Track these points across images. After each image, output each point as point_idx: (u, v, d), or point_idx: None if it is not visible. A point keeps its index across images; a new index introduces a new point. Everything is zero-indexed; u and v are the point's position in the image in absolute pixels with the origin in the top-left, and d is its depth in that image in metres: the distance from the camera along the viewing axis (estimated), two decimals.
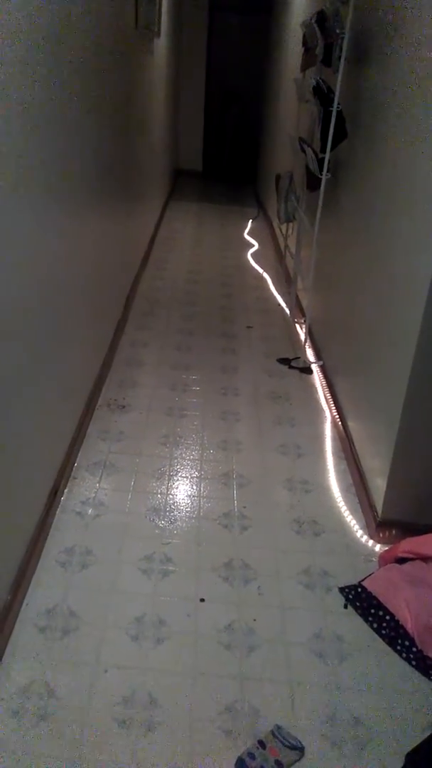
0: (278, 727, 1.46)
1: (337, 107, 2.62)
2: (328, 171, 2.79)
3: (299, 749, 1.42)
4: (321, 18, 2.83)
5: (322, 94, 2.77)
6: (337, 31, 2.62)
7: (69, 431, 2.33)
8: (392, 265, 2.06)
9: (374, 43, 2.43)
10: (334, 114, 2.62)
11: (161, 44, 4.90)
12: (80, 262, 2.33)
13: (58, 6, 1.76)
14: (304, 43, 3.34)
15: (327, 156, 2.73)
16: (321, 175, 2.81)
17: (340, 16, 2.63)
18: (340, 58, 2.58)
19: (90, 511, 2.13)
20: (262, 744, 1.42)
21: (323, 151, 2.74)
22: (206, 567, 1.94)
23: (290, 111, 4.59)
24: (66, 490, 2.20)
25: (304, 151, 3.09)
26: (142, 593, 1.82)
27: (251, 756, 1.40)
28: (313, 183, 2.98)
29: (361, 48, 2.58)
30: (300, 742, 1.44)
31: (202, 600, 1.82)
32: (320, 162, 2.79)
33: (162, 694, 1.54)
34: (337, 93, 2.60)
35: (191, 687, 1.57)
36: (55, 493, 2.09)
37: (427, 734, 1.46)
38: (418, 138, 1.87)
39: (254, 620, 1.76)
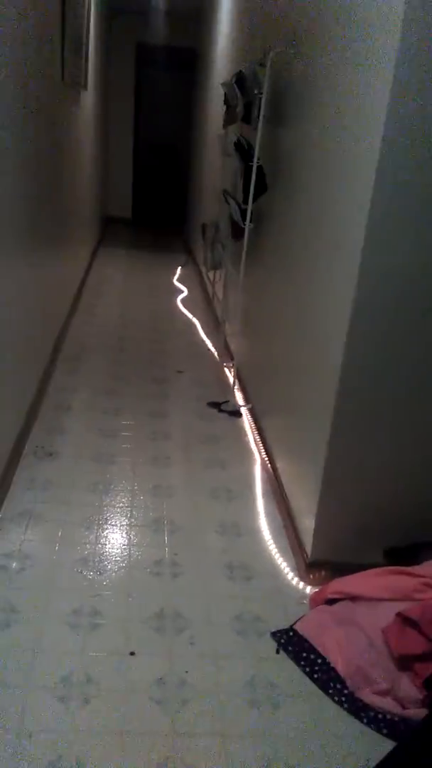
0: None
1: (258, 162, 2.74)
2: (251, 221, 2.89)
3: None
4: (240, 78, 2.98)
5: (243, 150, 2.90)
6: (255, 91, 2.77)
7: None
8: (312, 307, 2.14)
9: (289, 102, 2.57)
10: (254, 168, 2.74)
11: (89, 96, 5.01)
12: (8, 303, 2.30)
13: None
14: (226, 102, 3.50)
15: (249, 207, 2.84)
16: (244, 225, 2.91)
17: (257, 77, 2.78)
18: (258, 116, 2.72)
19: (14, 564, 2.04)
20: None
21: (245, 202, 2.85)
22: (136, 618, 1.89)
23: (215, 164, 4.76)
24: None
25: (228, 202, 3.21)
26: (70, 650, 1.75)
27: None
28: (237, 232, 3.08)
29: (278, 106, 2.73)
30: None
31: (132, 653, 1.76)
32: (243, 212, 2.90)
33: (90, 757, 1.47)
34: (256, 149, 2.73)
35: (121, 747, 1.51)
36: None
37: None
38: (327, 192, 1.98)
39: (186, 672, 1.72)
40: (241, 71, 3.01)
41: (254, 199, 2.82)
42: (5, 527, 2.21)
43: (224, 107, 3.61)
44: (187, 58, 7.28)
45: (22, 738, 1.49)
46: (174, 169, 8.20)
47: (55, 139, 3.31)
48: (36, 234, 2.88)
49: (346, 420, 1.89)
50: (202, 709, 1.62)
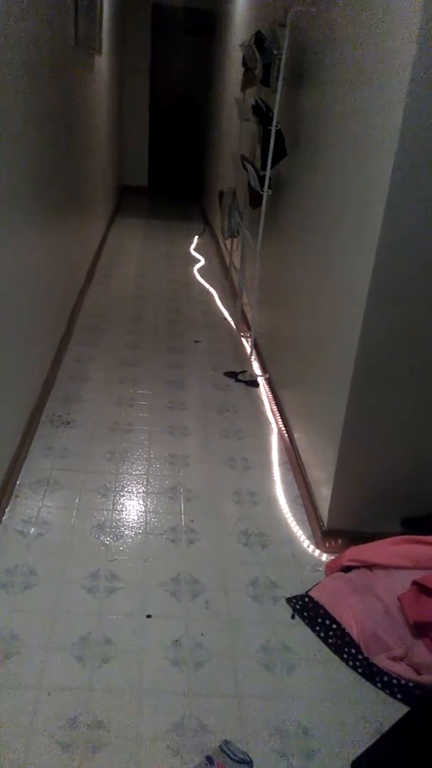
0: (226, 742, 1.44)
1: (276, 126, 2.68)
2: (269, 187, 2.84)
3: (247, 763, 1.41)
4: (259, 39, 2.90)
5: (262, 114, 2.83)
6: (275, 52, 2.69)
7: (10, 448, 2.27)
8: (331, 276, 2.10)
9: (310, 63, 2.50)
10: (273, 133, 2.68)
11: (103, 61, 4.92)
12: (20, 277, 2.29)
13: None
14: (244, 64, 3.41)
15: (268, 173, 2.79)
16: (262, 191, 2.86)
17: (277, 37, 2.70)
18: (278, 78, 2.65)
19: (33, 530, 2.07)
20: (210, 760, 1.40)
21: (264, 168, 2.79)
22: (153, 582, 1.91)
23: (232, 129, 4.67)
24: (8, 509, 2.14)
25: (245, 168, 3.14)
26: (87, 612, 1.78)
27: None
28: (255, 199, 3.03)
29: (298, 68, 2.66)
30: (248, 756, 1.42)
31: (149, 616, 1.79)
32: (261, 179, 2.85)
33: (107, 715, 1.51)
34: (275, 112, 2.66)
35: (137, 706, 1.54)
36: None
37: (373, 742, 1.47)
38: (351, 153, 1.93)
39: (202, 635, 1.75)
40: (259, 31, 2.92)
41: (273, 165, 2.76)
42: (23, 494, 2.23)
43: (242, 70, 3.53)
44: (204, 20, 7.10)
45: (40, 696, 1.53)
46: (191, 136, 8.06)
47: (68, 106, 3.25)
48: (51, 203, 2.86)
49: (363, 390, 1.87)
50: (217, 671, 1.65)
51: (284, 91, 2.66)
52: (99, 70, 4.65)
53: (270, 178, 2.81)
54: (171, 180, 8.50)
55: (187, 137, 8.09)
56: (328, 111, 2.22)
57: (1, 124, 1.87)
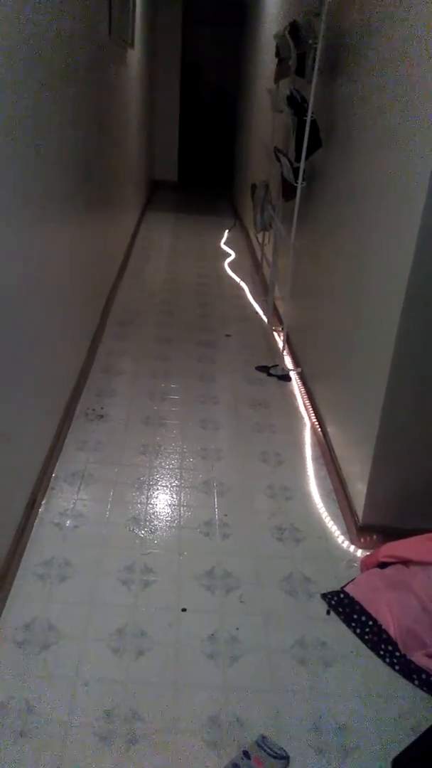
0: (263, 737, 1.44)
1: (312, 117, 2.64)
2: (303, 180, 2.81)
3: (284, 758, 1.40)
4: (294, 29, 2.86)
5: (296, 104, 2.79)
6: (310, 41, 2.66)
7: (46, 441, 2.30)
8: (368, 270, 2.07)
9: (346, 53, 2.46)
10: (308, 123, 2.65)
11: (135, 55, 4.92)
12: (55, 272, 2.31)
13: (34, 18, 1.75)
14: (278, 54, 3.37)
15: (302, 165, 2.76)
16: (296, 183, 2.83)
17: (312, 27, 2.66)
18: (313, 68, 2.61)
19: (68, 522, 2.10)
20: (246, 755, 1.40)
21: (298, 160, 2.76)
22: (187, 576, 1.92)
23: (265, 121, 4.63)
24: (44, 502, 2.17)
25: (279, 160, 3.12)
26: (123, 604, 1.79)
27: (236, 767, 1.38)
28: (288, 192, 3.00)
29: (333, 58, 2.62)
30: (285, 752, 1.42)
31: (184, 610, 1.79)
32: (295, 171, 2.82)
33: (144, 707, 1.52)
34: (311, 102, 2.63)
35: (174, 699, 1.54)
36: (32, 505, 2.05)
37: (411, 739, 1.45)
38: (390, 145, 1.89)
39: (237, 629, 1.75)
40: (295, 21, 2.89)
41: (307, 156, 2.73)
42: (59, 486, 2.26)
43: (276, 61, 3.49)
44: (235, 12, 7.05)
45: (78, 687, 1.55)
46: (222, 129, 8.03)
47: (102, 101, 3.26)
48: (85, 198, 2.87)
49: (401, 384, 1.84)
50: (252, 666, 1.64)
51: (319, 81, 2.63)
52: (131, 63, 4.65)
53: (304, 170, 2.78)
54: (201, 174, 8.48)
55: (218, 130, 8.05)
56: (366, 101, 2.19)
57: (40, 121, 1.89)
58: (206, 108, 7.96)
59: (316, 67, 2.59)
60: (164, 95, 7.76)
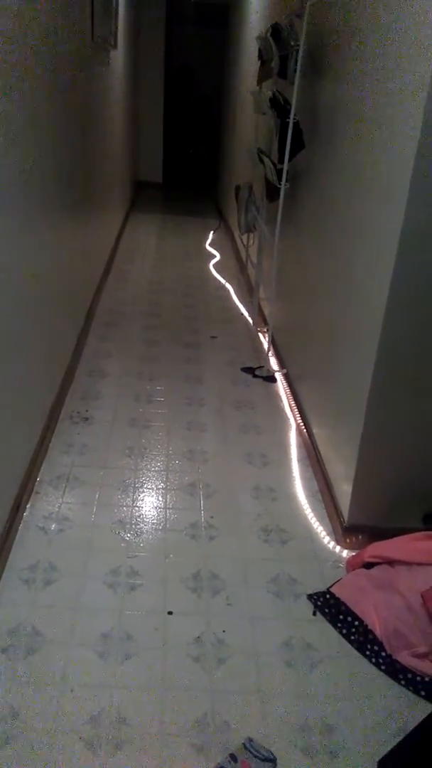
0: (250, 740, 1.44)
1: (294, 118, 2.65)
2: (287, 181, 2.82)
3: (272, 761, 1.40)
4: (276, 31, 2.87)
5: (279, 106, 2.80)
6: (292, 43, 2.66)
7: (30, 445, 2.28)
8: (351, 269, 2.08)
9: (328, 55, 2.47)
10: (290, 125, 2.65)
11: (118, 56, 4.91)
12: (38, 274, 2.29)
13: (15, 20, 1.74)
14: (260, 57, 3.38)
15: (285, 166, 2.76)
16: (280, 185, 2.83)
17: (294, 29, 2.67)
18: (295, 70, 2.62)
19: (53, 526, 2.08)
20: (233, 758, 1.40)
21: (281, 161, 2.77)
22: (174, 579, 1.91)
23: (248, 123, 4.64)
24: (28, 506, 2.15)
25: (262, 162, 3.12)
26: (109, 608, 1.78)
27: None
28: (272, 193, 3.00)
29: (315, 60, 2.63)
30: (272, 754, 1.42)
31: (170, 613, 1.79)
32: (279, 172, 2.82)
33: (130, 711, 1.51)
34: (293, 104, 2.64)
35: (160, 702, 1.54)
36: (17, 509, 2.04)
37: (398, 740, 1.46)
38: (372, 146, 1.90)
39: (223, 631, 1.74)
40: (276, 23, 2.90)
41: (291, 158, 2.73)
42: (44, 490, 2.24)
43: (258, 63, 3.50)
44: (219, 14, 7.06)
45: (64, 692, 1.53)
46: (205, 130, 8.03)
47: (86, 103, 3.25)
48: (68, 200, 2.86)
49: (384, 385, 1.85)
50: (239, 668, 1.64)
51: (302, 83, 2.64)
52: (115, 64, 4.64)
53: (288, 171, 2.78)
54: (185, 175, 8.47)
55: (201, 132, 8.05)
56: (347, 102, 2.20)
57: (22, 124, 1.87)
58: (191, 110, 7.97)
59: (298, 69, 2.60)
60: (149, 96, 7.74)
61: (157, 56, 7.63)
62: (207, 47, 7.64)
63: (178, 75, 7.82)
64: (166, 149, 8.23)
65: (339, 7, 2.33)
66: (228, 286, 4.72)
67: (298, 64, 2.59)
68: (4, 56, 1.67)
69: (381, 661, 1.68)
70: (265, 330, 3.52)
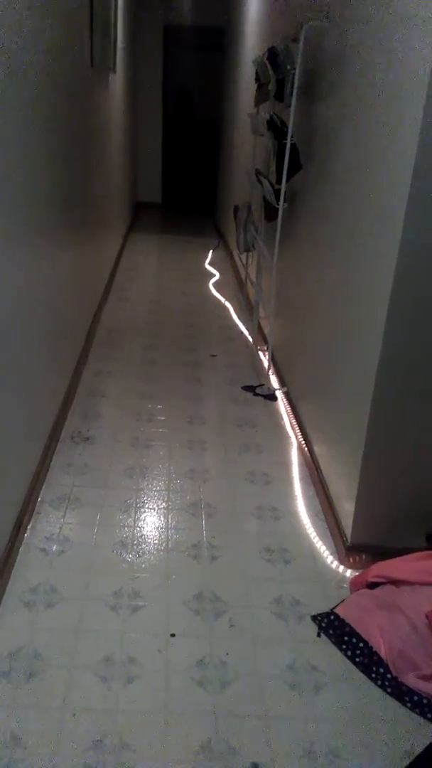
0: (255, 765, 1.42)
1: (291, 140, 2.69)
2: (284, 201, 2.84)
3: None
4: (272, 54, 2.92)
5: (276, 128, 2.84)
6: (288, 67, 2.71)
7: (32, 465, 2.27)
8: (350, 288, 2.09)
9: (324, 78, 2.51)
10: (288, 147, 2.69)
11: (117, 79, 4.98)
12: (41, 295, 2.31)
13: (16, 44, 1.77)
14: (257, 79, 3.44)
15: (283, 187, 2.79)
16: (278, 205, 2.86)
17: (290, 52, 2.71)
18: (291, 93, 2.66)
19: (55, 547, 2.07)
20: None
21: (279, 182, 2.80)
22: (176, 601, 1.89)
23: (246, 144, 4.69)
24: (29, 526, 2.14)
25: (260, 182, 3.16)
26: (111, 631, 1.77)
27: None
28: (270, 213, 3.03)
29: (312, 83, 2.67)
30: None
31: (173, 635, 1.77)
32: (277, 193, 2.85)
33: (134, 736, 1.49)
34: (290, 126, 2.67)
35: (164, 727, 1.52)
36: (18, 530, 2.03)
37: (405, 763, 1.44)
38: (369, 167, 1.93)
39: (227, 654, 1.73)
40: (273, 47, 2.95)
41: (288, 179, 2.77)
42: (45, 511, 2.23)
43: (255, 86, 3.55)
44: (215, 38, 7.17)
45: (66, 717, 1.51)
46: (203, 152, 8.12)
47: (84, 124, 3.29)
48: (68, 222, 2.88)
49: (385, 402, 1.85)
50: (243, 691, 1.62)
51: (298, 105, 2.67)
52: (113, 88, 4.71)
53: (285, 192, 2.81)
54: (184, 195, 8.55)
55: (199, 157, 8.14)
56: (343, 124, 2.23)
57: (22, 148, 1.90)
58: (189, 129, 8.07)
59: (294, 92, 2.64)
60: (147, 118, 7.84)
61: (155, 79, 7.74)
62: (204, 70, 7.75)
63: (177, 97, 7.92)
64: (168, 170, 8.30)
65: (335, 32, 2.37)
66: (227, 304, 4.74)
67: (295, 87, 2.64)
68: (6, 82, 1.70)
69: (387, 683, 1.66)
70: (265, 348, 3.53)
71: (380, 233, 1.81)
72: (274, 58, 2.91)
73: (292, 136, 2.69)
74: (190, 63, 7.85)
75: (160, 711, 1.55)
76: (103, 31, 3.80)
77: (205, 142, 7.99)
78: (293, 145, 2.72)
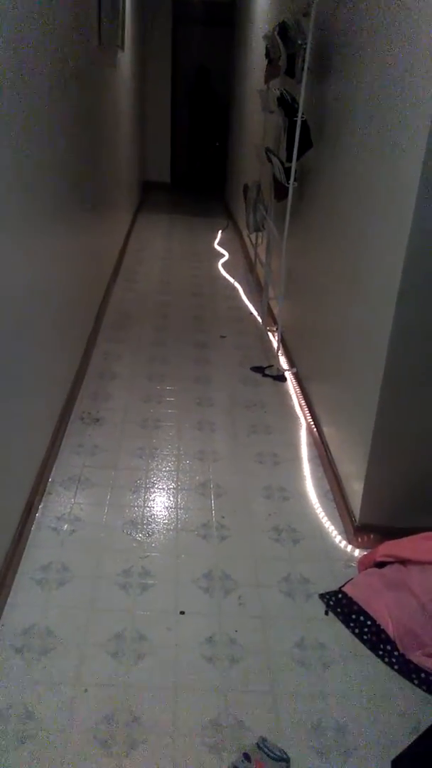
0: (263, 739, 1.44)
1: (302, 117, 2.65)
2: (295, 180, 2.81)
3: (285, 760, 1.40)
4: (283, 29, 2.87)
5: (287, 105, 2.80)
6: (299, 42, 2.66)
7: (42, 446, 2.29)
8: (361, 267, 2.08)
9: (336, 53, 2.46)
10: (299, 124, 2.65)
11: (125, 57, 4.92)
12: (48, 277, 2.31)
13: (24, 24, 1.74)
14: (267, 55, 3.38)
15: (293, 165, 2.76)
16: (288, 184, 2.83)
17: (301, 27, 2.66)
18: (303, 68, 2.61)
19: (66, 526, 2.09)
20: (247, 757, 1.40)
21: (289, 160, 2.76)
22: (186, 579, 1.92)
23: (256, 122, 4.63)
24: (41, 506, 2.16)
25: (270, 161, 3.12)
26: (121, 608, 1.79)
27: None
28: (280, 192, 3.00)
29: (323, 58, 2.62)
30: (285, 753, 1.42)
31: (182, 613, 1.79)
32: (287, 171, 2.82)
33: (144, 711, 1.51)
34: (301, 103, 2.63)
35: (173, 702, 1.54)
36: (29, 510, 2.05)
37: (411, 739, 1.45)
38: (380, 145, 1.90)
39: (236, 631, 1.75)
40: (284, 21, 2.89)
41: (298, 157, 2.73)
42: (56, 491, 2.26)
43: (266, 61, 3.49)
44: (225, 13, 7.05)
45: (78, 692, 1.54)
46: (213, 130, 8.02)
47: (94, 105, 3.26)
48: (78, 201, 2.87)
49: (396, 383, 1.84)
50: (252, 668, 1.64)
51: (309, 81, 2.63)
52: (122, 66, 4.65)
53: (296, 170, 2.78)
54: (193, 175, 8.47)
55: (208, 136, 8.04)
56: (355, 100, 2.19)
57: (32, 128, 1.88)
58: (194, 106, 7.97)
59: (306, 67, 2.59)
60: (156, 96, 7.75)
61: (164, 57, 7.63)
62: (213, 46, 7.62)
63: (197, 76, 7.82)
64: (181, 149, 8.21)
65: (347, 6, 2.32)
66: (237, 285, 4.72)
67: (306, 62, 2.59)
68: (13, 61, 1.68)
69: (394, 660, 1.67)
70: (275, 329, 3.51)
71: (392, 212, 1.79)
72: (284, 33, 2.86)
73: (303, 113, 2.65)
74: (199, 39, 7.73)
75: (170, 687, 1.58)
76: (111, 7, 3.75)
77: (214, 123, 7.89)
78: (304, 122, 2.68)
